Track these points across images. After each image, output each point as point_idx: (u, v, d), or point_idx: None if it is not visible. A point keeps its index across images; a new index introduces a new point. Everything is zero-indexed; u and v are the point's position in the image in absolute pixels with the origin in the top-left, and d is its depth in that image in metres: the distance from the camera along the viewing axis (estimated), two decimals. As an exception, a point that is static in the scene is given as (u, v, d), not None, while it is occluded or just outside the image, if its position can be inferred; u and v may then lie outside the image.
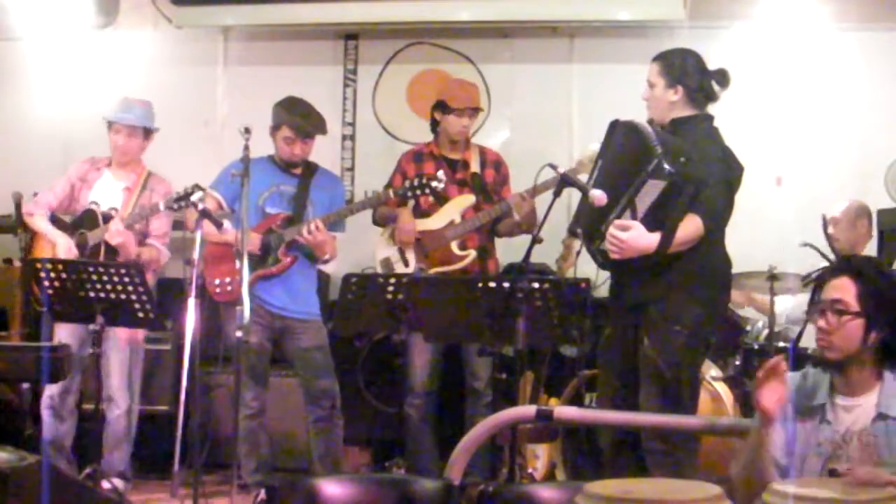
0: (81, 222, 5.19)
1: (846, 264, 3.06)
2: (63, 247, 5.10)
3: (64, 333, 5.00)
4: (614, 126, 4.09)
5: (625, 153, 3.98)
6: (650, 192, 3.81)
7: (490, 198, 5.38)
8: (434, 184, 4.98)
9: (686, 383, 4.00)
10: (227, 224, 4.82)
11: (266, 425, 5.18)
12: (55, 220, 5.26)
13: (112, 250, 5.05)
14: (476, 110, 5.42)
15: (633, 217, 3.85)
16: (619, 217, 3.85)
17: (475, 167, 5.43)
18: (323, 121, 5.25)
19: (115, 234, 5.00)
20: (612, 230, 3.84)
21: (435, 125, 5.44)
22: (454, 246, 5.31)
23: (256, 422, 5.10)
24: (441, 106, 5.37)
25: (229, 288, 5.06)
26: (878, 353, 2.96)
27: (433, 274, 5.23)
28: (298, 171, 5.21)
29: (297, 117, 5.11)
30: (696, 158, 3.87)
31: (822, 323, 2.97)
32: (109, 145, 5.27)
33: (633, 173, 3.82)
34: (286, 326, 5.10)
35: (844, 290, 2.96)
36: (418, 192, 5.03)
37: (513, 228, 5.36)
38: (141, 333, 5.17)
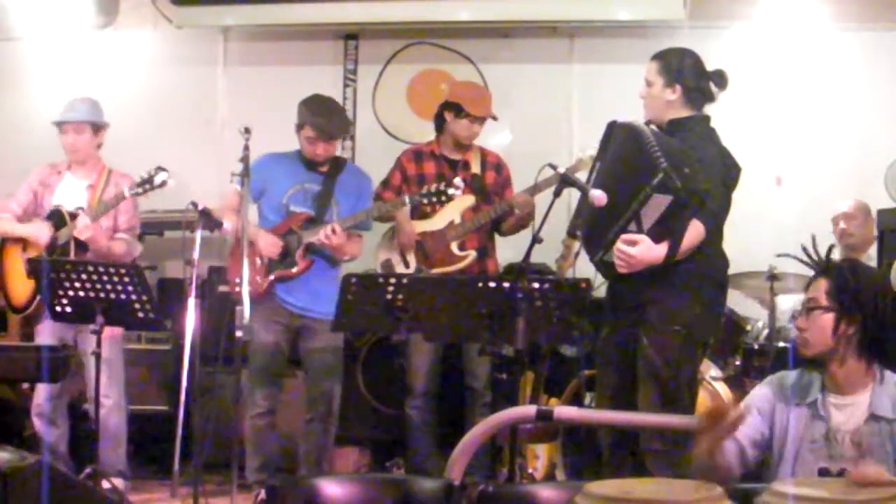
0: (49, 223, 5.16)
1: (823, 268, 3.12)
2: (36, 232, 5.09)
3: (45, 338, 5.00)
4: (612, 127, 4.07)
5: (625, 158, 3.95)
6: (656, 205, 3.77)
7: (489, 199, 5.38)
8: (451, 191, 4.95)
9: (684, 383, 4.00)
10: (226, 224, 4.83)
11: (275, 426, 5.16)
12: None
13: (81, 246, 5.03)
14: (486, 118, 5.40)
15: (639, 230, 3.82)
16: (623, 230, 3.82)
17: (476, 168, 5.43)
18: (347, 121, 5.21)
19: (84, 228, 4.99)
20: (620, 245, 3.80)
21: (440, 124, 5.43)
22: (454, 246, 5.31)
23: (265, 421, 5.08)
24: (454, 108, 5.34)
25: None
26: (862, 351, 2.98)
27: (433, 274, 5.23)
28: (325, 168, 5.18)
29: (320, 118, 5.07)
30: (694, 160, 3.86)
31: (798, 322, 3.07)
32: (63, 149, 5.27)
33: (636, 182, 3.79)
34: (304, 326, 5.07)
35: (817, 289, 3.04)
36: (434, 199, 4.99)
37: (512, 227, 5.37)
38: (119, 330, 5.15)
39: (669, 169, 3.68)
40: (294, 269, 5.06)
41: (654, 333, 3.94)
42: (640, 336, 3.98)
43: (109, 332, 5.03)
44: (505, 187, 5.47)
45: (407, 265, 5.31)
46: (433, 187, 4.99)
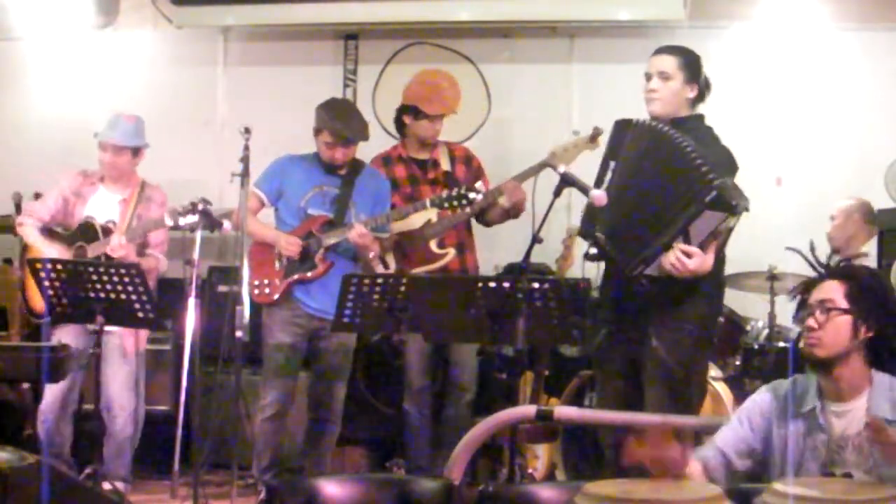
0: (79, 235, 5.16)
1: (835, 270, 3.10)
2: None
3: (64, 336, 5.00)
4: (624, 126, 4.00)
5: (657, 164, 3.87)
6: (707, 221, 3.73)
7: None
8: (472, 195, 4.88)
9: (695, 383, 3.99)
10: (226, 224, 4.83)
11: (286, 428, 5.16)
12: (51, 232, 5.22)
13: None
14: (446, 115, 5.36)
15: (686, 243, 3.77)
16: (669, 245, 3.75)
17: (445, 165, 5.40)
18: (365, 126, 5.17)
19: (118, 247, 4.98)
20: (680, 257, 3.73)
21: (401, 127, 5.41)
22: (433, 245, 5.28)
23: (275, 424, 5.08)
24: (413, 111, 5.31)
25: (267, 290, 5.05)
26: (866, 355, 2.97)
27: (415, 274, 5.18)
28: (343, 171, 5.17)
29: (338, 122, 5.05)
30: (723, 162, 3.85)
31: (810, 322, 2.99)
32: (98, 161, 5.23)
33: (676, 192, 3.75)
34: (322, 327, 5.05)
35: (833, 290, 3.00)
36: (455, 203, 4.94)
37: (502, 215, 5.31)
38: (144, 338, 5.16)
39: (723, 186, 3.66)
40: (314, 272, 5.05)
41: (666, 333, 3.91)
42: (647, 337, 3.94)
43: (133, 339, 5.03)
44: (478, 178, 5.37)
45: (386, 266, 5.28)
46: (455, 191, 4.93)
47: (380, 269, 5.27)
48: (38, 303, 5.15)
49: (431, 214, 5.26)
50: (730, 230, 3.82)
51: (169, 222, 4.93)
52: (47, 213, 5.22)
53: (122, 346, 5.05)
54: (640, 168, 3.93)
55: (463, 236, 5.40)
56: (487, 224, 5.46)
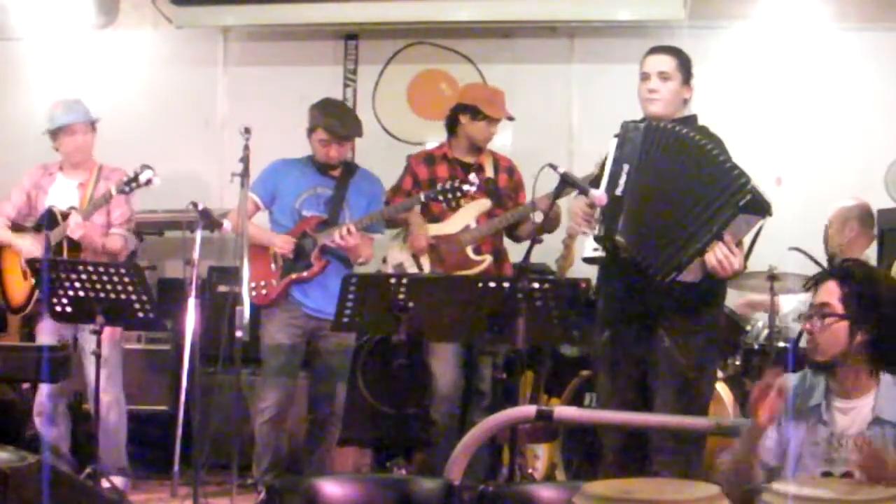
0: (43, 224, 5.18)
1: (834, 269, 3.09)
2: (26, 248, 5.12)
3: (45, 337, 5.01)
4: (633, 127, 3.92)
5: (681, 167, 3.82)
6: (740, 224, 3.73)
7: (503, 203, 5.31)
8: (465, 188, 4.88)
9: (707, 383, 3.99)
10: (226, 224, 4.84)
11: (285, 428, 5.16)
12: (17, 228, 5.26)
13: (75, 245, 5.04)
14: (501, 119, 5.36)
15: None
16: (702, 251, 3.73)
17: (489, 172, 5.36)
18: (359, 123, 5.20)
19: (76, 227, 4.99)
20: (727, 254, 3.70)
21: (453, 127, 5.37)
22: (469, 251, 5.25)
23: (274, 426, 5.07)
24: (471, 111, 5.28)
25: (264, 291, 5.06)
26: (871, 356, 2.97)
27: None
28: (337, 172, 5.17)
29: (332, 119, 5.06)
30: None
31: (808, 326, 3.02)
32: (61, 151, 5.25)
33: (710, 197, 3.72)
34: (320, 327, 5.04)
35: (830, 293, 3.00)
36: (449, 195, 4.93)
37: (531, 231, 5.28)
38: (117, 328, 5.15)
39: (756, 189, 3.65)
40: (310, 271, 5.05)
41: (678, 334, 3.88)
42: (656, 338, 3.92)
43: (108, 330, 5.04)
44: (518, 191, 5.38)
45: (420, 269, 5.26)
46: (448, 184, 4.94)
47: (413, 270, 5.25)
48: (14, 296, 5.19)
49: (470, 219, 5.24)
50: (759, 231, 3.81)
51: (114, 192, 4.97)
52: (13, 210, 5.29)
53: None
54: (662, 171, 3.86)
55: (499, 244, 5.34)
56: (517, 239, 5.38)
